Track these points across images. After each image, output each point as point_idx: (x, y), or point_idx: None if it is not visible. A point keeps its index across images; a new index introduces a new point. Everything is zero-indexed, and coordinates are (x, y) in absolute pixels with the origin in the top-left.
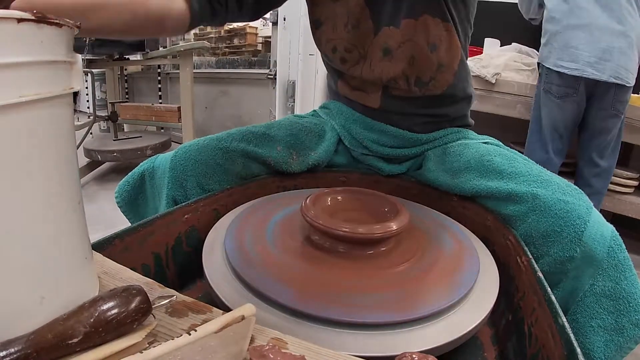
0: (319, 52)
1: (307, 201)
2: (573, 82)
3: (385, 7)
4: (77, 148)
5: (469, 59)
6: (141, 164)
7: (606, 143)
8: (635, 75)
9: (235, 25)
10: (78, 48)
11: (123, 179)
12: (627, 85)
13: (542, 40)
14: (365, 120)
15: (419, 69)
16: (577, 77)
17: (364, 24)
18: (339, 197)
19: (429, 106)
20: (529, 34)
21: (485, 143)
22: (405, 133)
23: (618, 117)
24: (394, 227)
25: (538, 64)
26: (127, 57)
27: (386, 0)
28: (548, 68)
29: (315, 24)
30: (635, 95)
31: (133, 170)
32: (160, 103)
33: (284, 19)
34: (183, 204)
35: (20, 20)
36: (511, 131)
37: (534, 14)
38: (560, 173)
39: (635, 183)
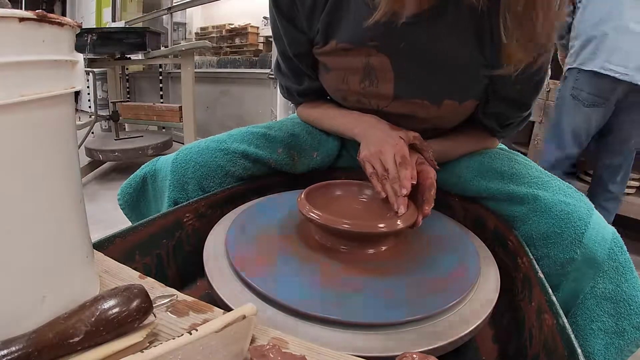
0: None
1: (303, 195)
2: (609, 89)
3: (423, 81)
4: (79, 147)
5: None
6: (142, 166)
7: (627, 149)
8: None
9: (236, 24)
10: (79, 47)
11: (125, 182)
12: None
13: (576, 43)
14: None
15: (439, 130)
16: (618, 82)
17: (385, 87)
18: (340, 192)
19: (436, 136)
20: None
21: None
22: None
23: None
24: (399, 224)
25: (568, 68)
26: (128, 56)
27: (424, 74)
28: (582, 72)
29: (324, 68)
30: None
31: (135, 173)
32: (162, 102)
33: None
34: (184, 203)
35: (22, 19)
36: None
37: (562, 33)
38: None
39: (637, 184)
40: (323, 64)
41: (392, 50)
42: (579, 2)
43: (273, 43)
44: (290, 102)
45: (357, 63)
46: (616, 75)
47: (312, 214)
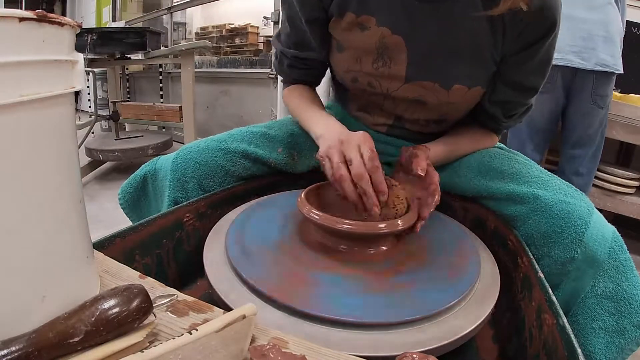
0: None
1: (303, 195)
2: (551, 74)
3: (436, 64)
4: (79, 147)
5: None
6: (143, 166)
7: (585, 140)
8: (621, 62)
9: (236, 24)
10: (79, 47)
11: (125, 182)
12: (616, 72)
13: None
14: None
15: (446, 120)
16: (557, 67)
17: (398, 68)
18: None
19: (438, 131)
20: None
21: None
22: (409, 144)
23: (596, 113)
24: (400, 225)
25: None
26: (128, 56)
27: (437, 56)
28: None
29: (338, 47)
30: (636, 95)
31: (135, 173)
32: (162, 102)
33: None
34: (184, 203)
35: (22, 19)
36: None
37: None
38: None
39: (637, 184)
40: (337, 43)
41: (406, 32)
42: None
43: (271, 42)
44: None
45: (372, 43)
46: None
47: (312, 214)
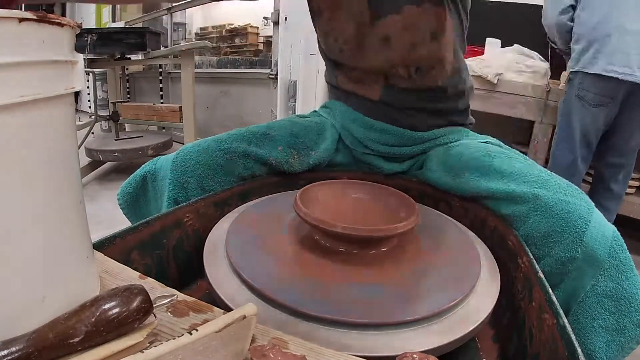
0: (320, 52)
1: (298, 197)
2: (614, 89)
3: None
4: (79, 148)
5: (471, 58)
6: (143, 166)
7: (635, 148)
8: None
9: (236, 24)
10: (79, 47)
11: (125, 181)
12: None
13: (577, 46)
14: (365, 119)
15: (419, 57)
16: (622, 82)
17: (363, 12)
18: (336, 191)
19: (429, 100)
20: (529, 35)
21: (485, 143)
22: (405, 131)
23: None
24: (400, 226)
25: (572, 71)
26: (128, 56)
27: None
28: (586, 75)
29: (314, 12)
30: None
31: (135, 173)
32: (162, 103)
33: (285, 19)
34: (184, 203)
35: (21, 19)
36: (512, 131)
37: (567, 39)
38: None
39: (637, 184)
40: (313, 8)
41: None
42: (577, 3)
43: (272, 45)
44: (290, 102)
45: None
46: (619, 76)
47: (311, 217)
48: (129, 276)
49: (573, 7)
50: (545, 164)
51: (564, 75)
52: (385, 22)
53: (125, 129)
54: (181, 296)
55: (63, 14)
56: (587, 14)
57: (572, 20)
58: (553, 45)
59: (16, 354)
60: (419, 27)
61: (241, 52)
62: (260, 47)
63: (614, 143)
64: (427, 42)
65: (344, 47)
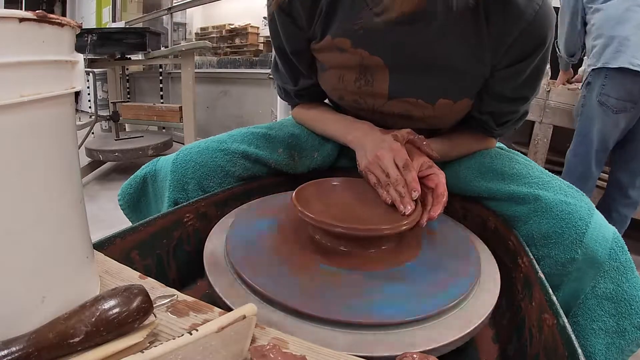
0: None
1: (294, 196)
2: (638, 89)
3: (417, 80)
4: (79, 147)
5: None
6: (143, 167)
7: None
8: None
9: (236, 24)
10: (80, 47)
11: (125, 182)
12: None
13: (597, 43)
14: None
15: (436, 131)
16: None
17: (380, 86)
18: (333, 189)
19: (433, 136)
20: None
21: None
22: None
23: None
24: (403, 226)
25: (592, 69)
26: (128, 56)
27: (418, 74)
28: (610, 74)
29: (320, 67)
30: None
31: (135, 174)
32: (162, 103)
33: None
34: (184, 203)
35: (22, 19)
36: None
37: (579, 45)
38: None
39: None
40: (320, 63)
41: (384, 52)
42: (591, 7)
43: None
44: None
45: (352, 63)
46: None
47: (311, 217)
48: (129, 276)
49: (584, 23)
50: (545, 164)
51: (579, 73)
52: (410, 102)
53: (125, 129)
54: (181, 296)
55: (63, 14)
56: (607, 12)
57: (579, 35)
58: (557, 50)
59: (16, 354)
60: (448, 117)
61: (241, 52)
62: (261, 47)
63: (633, 148)
64: (450, 124)
65: (355, 105)
